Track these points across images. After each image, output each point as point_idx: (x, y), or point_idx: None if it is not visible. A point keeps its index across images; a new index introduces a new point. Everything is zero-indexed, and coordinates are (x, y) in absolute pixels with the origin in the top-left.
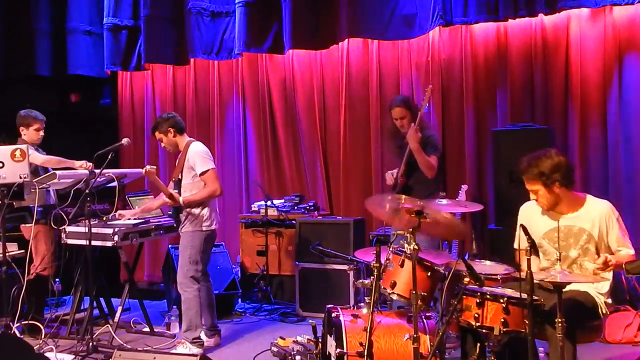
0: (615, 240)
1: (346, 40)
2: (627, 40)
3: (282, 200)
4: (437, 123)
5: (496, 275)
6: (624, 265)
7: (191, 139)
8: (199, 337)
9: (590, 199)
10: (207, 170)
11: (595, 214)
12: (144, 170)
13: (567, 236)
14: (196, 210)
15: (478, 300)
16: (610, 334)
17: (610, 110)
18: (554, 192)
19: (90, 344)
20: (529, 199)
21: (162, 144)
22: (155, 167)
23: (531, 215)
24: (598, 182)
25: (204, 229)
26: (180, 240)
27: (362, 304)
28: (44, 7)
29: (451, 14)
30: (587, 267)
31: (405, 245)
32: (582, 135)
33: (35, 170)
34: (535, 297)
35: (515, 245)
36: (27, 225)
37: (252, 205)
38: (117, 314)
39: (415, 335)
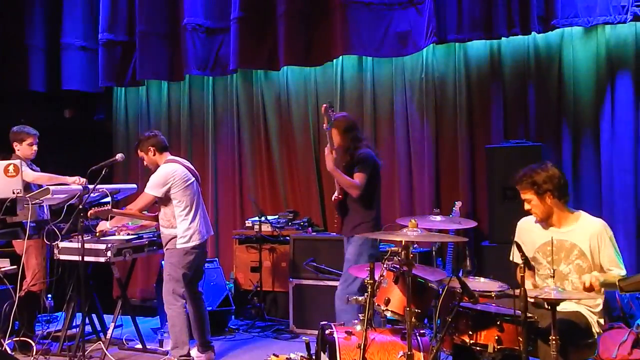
0: (608, 259)
1: (340, 56)
2: (620, 58)
3: (276, 217)
4: (431, 139)
5: (490, 292)
6: (617, 283)
7: (172, 157)
8: (187, 355)
9: (584, 216)
10: (146, 192)
11: (589, 230)
12: (89, 214)
13: (559, 250)
14: (166, 231)
15: (472, 318)
16: (604, 352)
17: (603, 128)
18: (546, 203)
19: None
20: (523, 215)
21: (145, 163)
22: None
23: (528, 229)
24: (591, 199)
25: (177, 246)
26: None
27: (355, 321)
28: (38, 23)
29: (445, 32)
30: (579, 285)
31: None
32: (575, 152)
33: (27, 187)
34: (529, 315)
35: (511, 258)
36: (20, 240)
37: (246, 222)
38: (110, 331)
39: (409, 353)
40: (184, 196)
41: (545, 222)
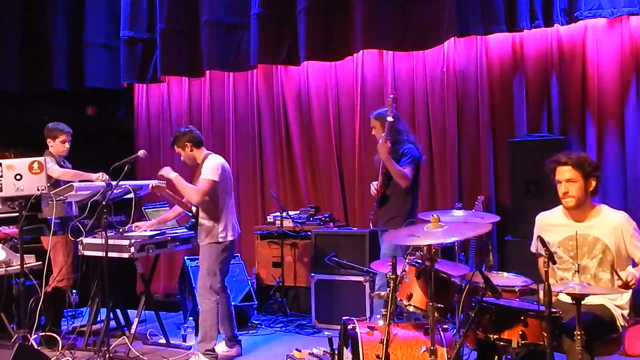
0: (637, 250)
1: (361, 51)
2: None
3: (298, 212)
4: (453, 134)
5: (514, 287)
6: None
7: (209, 152)
8: (212, 350)
9: (606, 209)
10: (206, 178)
11: (612, 224)
12: (150, 186)
13: (581, 245)
14: (208, 224)
15: (495, 313)
16: (631, 347)
17: (628, 120)
18: (587, 189)
19: (107, 355)
20: (546, 209)
21: (182, 158)
22: (163, 181)
23: (547, 224)
24: (616, 194)
25: (219, 240)
26: (200, 253)
27: (378, 316)
28: (60, 21)
29: (466, 25)
30: (603, 278)
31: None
32: (599, 146)
33: (57, 183)
34: (554, 309)
35: (532, 249)
36: (47, 236)
37: (268, 217)
38: (134, 326)
39: (432, 348)
40: (224, 191)
41: (573, 211)
